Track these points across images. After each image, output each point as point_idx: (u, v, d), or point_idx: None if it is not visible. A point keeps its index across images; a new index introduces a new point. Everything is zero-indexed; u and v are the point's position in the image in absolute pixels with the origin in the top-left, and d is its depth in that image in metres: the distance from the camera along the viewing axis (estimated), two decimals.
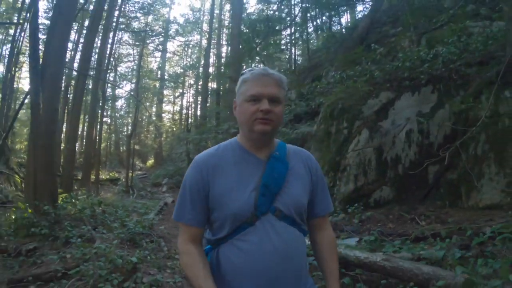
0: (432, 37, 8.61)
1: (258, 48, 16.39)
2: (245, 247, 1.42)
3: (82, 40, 19.88)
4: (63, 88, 15.85)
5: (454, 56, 6.30)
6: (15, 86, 21.66)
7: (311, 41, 20.64)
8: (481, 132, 5.34)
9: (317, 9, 16.99)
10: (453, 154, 5.32)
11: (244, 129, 1.52)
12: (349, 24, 19.87)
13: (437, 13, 10.14)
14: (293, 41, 19.68)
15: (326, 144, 7.30)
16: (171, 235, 7.02)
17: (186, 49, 37.50)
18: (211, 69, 29.52)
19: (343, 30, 18.97)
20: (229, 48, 21.79)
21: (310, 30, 19.61)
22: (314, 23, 19.62)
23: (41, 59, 7.23)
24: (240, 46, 16.25)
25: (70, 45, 19.06)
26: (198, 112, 30.40)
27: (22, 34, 16.64)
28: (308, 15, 17.46)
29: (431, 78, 6.23)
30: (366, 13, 15.76)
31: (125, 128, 39.51)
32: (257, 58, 17.97)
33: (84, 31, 18.59)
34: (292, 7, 18.52)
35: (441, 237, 4.53)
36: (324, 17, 18.87)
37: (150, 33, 27.84)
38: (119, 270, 4.24)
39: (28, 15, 13.32)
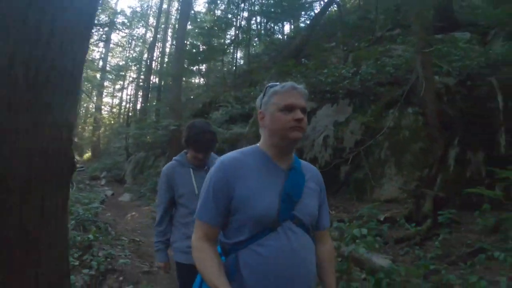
0: (358, 56, 9.56)
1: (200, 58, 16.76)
2: (265, 252, 1.46)
3: None
4: None
5: (370, 76, 7.22)
6: None
7: (253, 45, 21.25)
8: (385, 141, 6.27)
9: (262, 16, 17.64)
10: (361, 157, 6.21)
11: (275, 137, 1.57)
12: (291, 34, 20.71)
13: (367, 34, 11.18)
14: (236, 44, 20.16)
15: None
16: (116, 222, 7.49)
17: (130, 41, 36.70)
18: (154, 64, 29.26)
19: (285, 38, 19.81)
20: (174, 45, 21.87)
21: (253, 34, 20.22)
22: (258, 27, 20.26)
23: None
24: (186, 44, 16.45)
25: None
26: (138, 107, 29.95)
27: None
28: (253, 20, 18.10)
29: (349, 92, 7.07)
30: (306, 25, 16.68)
31: None
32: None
33: None
34: (240, 11, 19.05)
35: (344, 222, 5.33)
36: (268, 24, 19.56)
37: (95, 23, 27.00)
38: (77, 247, 4.67)
39: None
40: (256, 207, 1.46)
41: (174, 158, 2.99)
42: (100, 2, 26.31)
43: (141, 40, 35.45)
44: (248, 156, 1.59)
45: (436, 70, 6.84)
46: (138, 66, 33.30)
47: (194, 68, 20.95)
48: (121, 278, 5.61)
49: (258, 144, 1.67)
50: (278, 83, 1.62)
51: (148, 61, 26.55)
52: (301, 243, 1.52)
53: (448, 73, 6.80)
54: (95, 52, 36.50)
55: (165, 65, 22.28)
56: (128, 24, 33.19)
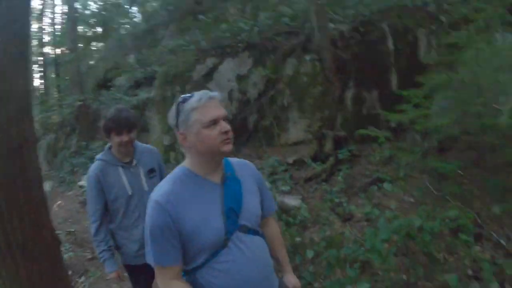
0: (256, 5, 9.57)
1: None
2: (224, 268, 1.52)
3: None
4: None
5: (268, 27, 7.35)
6: None
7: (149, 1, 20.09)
8: (286, 88, 6.54)
9: None
10: (266, 105, 6.47)
11: (206, 155, 1.54)
12: None
13: None
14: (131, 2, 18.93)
15: (164, 108, 7.78)
16: None
17: None
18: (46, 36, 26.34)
19: None
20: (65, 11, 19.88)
21: None
22: None
23: None
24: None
25: None
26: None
27: None
28: None
29: (248, 45, 7.14)
30: None
31: None
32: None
33: None
34: None
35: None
36: None
37: None
38: None
39: None
40: (205, 236, 1.49)
41: (97, 157, 2.72)
42: None
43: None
44: (180, 185, 1.54)
45: (331, 17, 7.16)
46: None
47: (90, 34, 19.47)
48: (70, 272, 5.40)
49: (185, 165, 1.61)
50: (189, 96, 1.55)
51: (39, 32, 23.83)
52: (253, 248, 1.59)
53: (342, 20, 7.18)
54: None
55: (58, 35, 20.25)
56: None
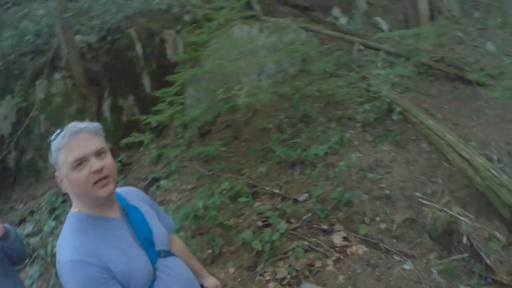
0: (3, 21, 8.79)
1: None
2: None
3: None
4: None
5: (11, 48, 6.94)
6: None
7: None
8: (41, 113, 6.42)
9: None
10: (23, 138, 6.26)
11: (85, 199, 1.38)
12: None
13: None
14: None
15: None
16: None
17: None
18: None
19: None
20: None
21: None
22: None
23: None
24: None
25: None
26: None
27: None
28: None
29: None
30: None
31: None
32: None
33: None
34: None
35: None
36: None
37: None
38: None
39: None
40: (139, 276, 1.39)
41: None
42: None
43: None
44: (84, 235, 1.35)
45: (78, 29, 7.17)
46: None
47: None
48: None
49: (77, 210, 1.42)
50: (58, 132, 1.37)
51: None
52: (177, 269, 1.55)
53: (89, 31, 7.27)
54: None
55: None
56: None
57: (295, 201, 4.32)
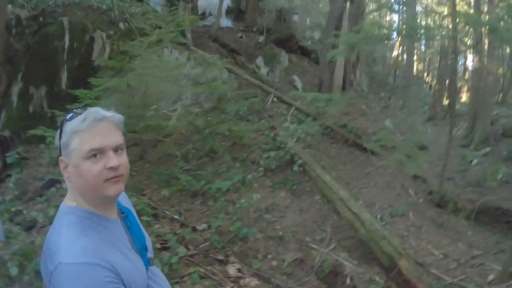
0: None
1: None
2: None
3: None
4: None
5: None
6: None
7: None
8: None
9: None
10: None
11: (88, 194, 1.16)
12: None
13: None
14: None
15: None
16: None
17: None
18: None
19: None
20: None
21: None
22: None
23: None
24: None
25: None
26: None
27: None
28: None
29: None
30: None
31: None
32: None
33: None
34: None
35: None
36: None
37: None
38: None
39: None
40: (140, 278, 1.24)
41: None
42: None
43: None
44: (91, 233, 1.16)
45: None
46: None
47: None
48: None
49: (76, 204, 1.20)
50: (77, 112, 1.17)
51: None
52: (161, 278, 1.44)
53: (23, 6, 6.66)
54: None
55: None
56: None
57: (194, 229, 4.41)
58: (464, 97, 20.21)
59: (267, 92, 8.84)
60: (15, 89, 6.26)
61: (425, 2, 21.54)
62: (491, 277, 4.21)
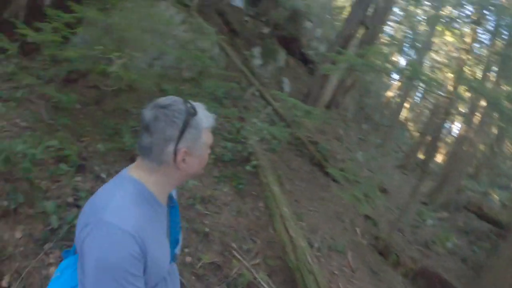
0: None
1: None
2: None
3: None
4: None
5: None
6: None
7: None
8: None
9: None
10: None
11: (189, 177, 1.40)
12: None
13: None
14: None
15: None
16: None
17: None
18: None
19: None
20: None
21: None
22: None
23: None
24: None
25: None
26: None
27: None
28: None
29: None
30: None
31: None
32: None
33: None
34: None
35: None
36: None
37: None
38: None
39: None
40: (162, 268, 1.30)
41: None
42: None
43: None
44: (142, 209, 1.23)
45: None
46: None
47: None
48: None
49: (139, 179, 1.28)
50: (194, 109, 1.30)
51: None
52: (176, 275, 1.50)
53: None
54: None
55: None
56: None
57: None
58: (439, 157, 20.33)
59: (251, 83, 8.40)
60: None
61: (436, 56, 21.52)
62: None
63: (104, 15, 5.01)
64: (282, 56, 11.67)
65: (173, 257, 1.43)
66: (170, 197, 1.42)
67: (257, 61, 10.73)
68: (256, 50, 10.87)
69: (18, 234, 2.99)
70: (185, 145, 1.27)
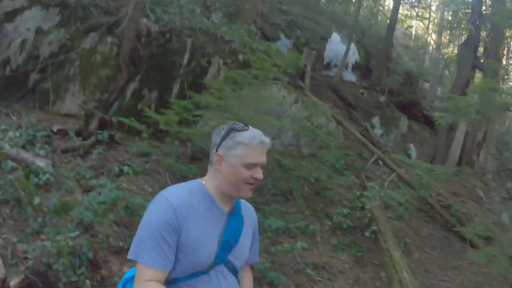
0: None
1: None
2: None
3: None
4: None
5: None
6: None
7: None
8: (78, 59, 6.70)
9: None
10: (52, 68, 6.56)
11: (227, 186, 1.53)
12: None
13: None
14: None
15: None
16: None
17: None
18: None
19: None
20: None
21: None
22: None
23: None
24: None
25: None
26: None
27: None
28: None
29: (62, 1, 7.09)
30: None
31: None
32: None
33: None
34: None
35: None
36: None
37: None
38: None
39: None
40: (197, 257, 1.46)
41: None
42: None
43: None
44: (194, 197, 1.52)
45: (148, 14, 7.62)
46: None
47: None
48: None
49: (203, 182, 1.60)
50: (243, 127, 1.54)
51: None
52: (229, 282, 1.56)
53: (155, 22, 7.72)
54: None
55: None
56: None
57: None
58: None
59: (372, 152, 8.41)
60: (131, 87, 6.99)
61: None
62: None
63: (220, 100, 5.83)
64: (403, 122, 11.48)
65: (223, 258, 1.54)
66: (235, 207, 1.63)
67: (378, 131, 10.74)
68: (375, 120, 10.93)
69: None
70: (222, 151, 1.52)
